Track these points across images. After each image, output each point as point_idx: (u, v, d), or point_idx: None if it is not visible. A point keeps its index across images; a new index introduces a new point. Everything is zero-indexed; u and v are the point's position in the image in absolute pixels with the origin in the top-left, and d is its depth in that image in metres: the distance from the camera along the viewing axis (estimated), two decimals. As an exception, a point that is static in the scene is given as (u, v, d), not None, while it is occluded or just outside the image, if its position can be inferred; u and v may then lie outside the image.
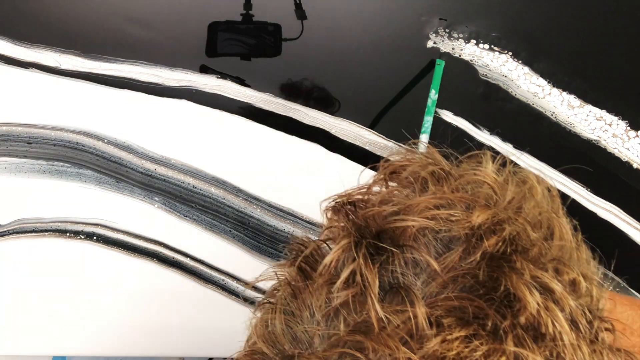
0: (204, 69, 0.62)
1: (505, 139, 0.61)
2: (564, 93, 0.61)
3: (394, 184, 0.28)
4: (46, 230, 0.62)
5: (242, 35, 0.61)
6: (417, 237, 0.24)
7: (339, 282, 0.23)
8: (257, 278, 0.31)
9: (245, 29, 0.61)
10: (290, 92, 0.61)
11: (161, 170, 0.62)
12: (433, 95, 0.53)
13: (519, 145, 0.61)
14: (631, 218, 0.60)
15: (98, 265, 0.61)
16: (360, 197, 0.28)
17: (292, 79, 0.59)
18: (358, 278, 0.23)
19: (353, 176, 0.62)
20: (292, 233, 0.61)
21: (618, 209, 0.60)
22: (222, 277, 0.62)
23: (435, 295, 0.23)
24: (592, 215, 0.60)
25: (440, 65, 0.54)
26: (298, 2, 0.61)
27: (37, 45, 0.62)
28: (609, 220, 0.60)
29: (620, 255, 0.61)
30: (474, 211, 0.24)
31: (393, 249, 0.24)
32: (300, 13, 0.61)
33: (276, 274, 0.29)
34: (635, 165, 0.61)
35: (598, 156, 0.61)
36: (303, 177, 0.61)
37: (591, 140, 0.61)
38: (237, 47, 0.61)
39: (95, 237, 0.62)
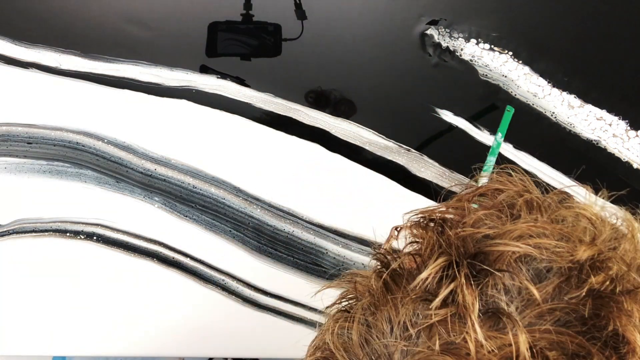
0: (204, 69, 0.61)
1: (505, 139, 0.61)
2: (564, 93, 0.61)
3: (478, 206, 0.28)
4: (46, 230, 0.62)
5: (242, 35, 0.61)
6: (512, 263, 0.24)
7: (437, 300, 0.23)
8: (338, 282, 0.30)
9: (245, 29, 0.61)
10: (317, 101, 0.61)
11: (161, 170, 0.62)
12: (499, 138, 0.56)
13: (519, 145, 0.61)
14: (631, 218, 0.60)
15: (98, 265, 0.61)
16: (450, 215, 0.28)
17: (321, 87, 0.59)
18: (459, 298, 0.22)
19: (352, 177, 0.62)
20: (292, 233, 0.61)
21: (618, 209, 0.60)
22: (222, 277, 0.62)
23: (528, 325, 0.22)
24: (592, 215, 0.60)
25: (509, 112, 0.56)
26: (298, 2, 0.61)
27: (37, 45, 0.62)
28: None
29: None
30: (580, 245, 0.24)
31: (495, 272, 0.23)
32: (300, 13, 0.61)
33: (355, 283, 0.28)
34: (635, 165, 0.61)
35: (598, 156, 0.61)
36: (303, 177, 0.61)
37: (591, 141, 0.61)
38: (237, 47, 0.61)
39: (95, 237, 0.62)
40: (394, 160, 0.61)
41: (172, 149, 0.62)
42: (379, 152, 0.61)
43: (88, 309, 0.62)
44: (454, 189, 0.60)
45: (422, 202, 0.61)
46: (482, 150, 0.61)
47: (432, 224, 0.27)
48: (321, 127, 0.61)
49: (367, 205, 0.61)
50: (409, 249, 0.28)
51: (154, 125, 0.61)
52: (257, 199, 0.62)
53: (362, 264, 0.61)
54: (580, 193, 0.61)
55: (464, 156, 0.61)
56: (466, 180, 0.61)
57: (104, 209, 0.62)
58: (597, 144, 0.61)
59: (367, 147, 0.61)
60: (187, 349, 0.62)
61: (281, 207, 0.62)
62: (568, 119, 0.61)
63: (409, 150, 0.61)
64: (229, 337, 0.62)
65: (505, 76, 0.61)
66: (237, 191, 0.62)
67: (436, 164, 0.61)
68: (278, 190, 0.62)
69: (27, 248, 0.61)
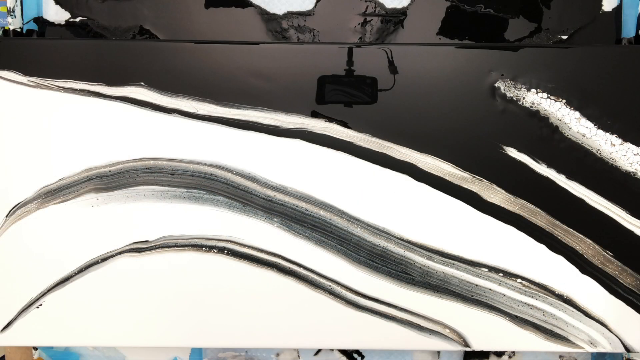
0: (315, 114, 0.75)
1: (559, 171, 0.75)
2: (607, 134, 0.75)
3: None
4: (186, 245, 0.76)
5: (345, 87, 0.75)
6: None
7: None
8: None
9: (347, 81, 0.75)
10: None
11: (279, 196, 0.76)
12: None
13: (570, 176, 0.75)
14: (662, 235, 0.74)
15: (228, 274, 0.76)
16: None
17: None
18: None
19: (435, 201, 0.76)
20: (386, 247, 0.76)
21: (651, 228, 0.74)
22: (329, 283, 0.76)
23: None
24: (630, 233, 0.75)
25: None
26: (391, 59, 0.75)
27: (178, 95, 0.75)
28: (644, 237, 0.74)
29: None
30: None
31: None
32: (393, 68, 0.75)
33: None
34: (665, 193, 0.75)
35: (635, 185, 0.75)
36: (395, 202, 0.75)
37: (629, 172, 0.75)
38: (341, 96, 0.75)
39: (225, 251, 0.76)
40: (468, 188, 0.75)
41: (288, 179, 0.76)
42: (457, 182, 0.75)
43: (221, 313, 0.76)
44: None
45: (492, 223, 0.75)
46: (540, 180, 0.75)
47: None
48: (409, 161, 0.75)
49: (447, 225, 0.75)
50: None
51: (274, 160, 0.75)
52: (358, 220, 0.76)
53: (443, 272, 0.75)
54: (621, 214, 0.74)
55: (526, 184, 0.75)
56: (528, 205, 0.75)
57: (233, 227, 0.76)
58: (634, 175, 0.75)
59: (447, 178, 0.75)
60: (301, 342, 0.76)
61: (377, 227, 0.76)
62: (610, 155, 0.75)
63: (481, 180, 0.75)
64: (334, 332, 0.76)
65: (560, 120, 0.75)
66: (341, 213, 0.76)
67: (503, 191, 0.75)
68: (374, 213, 0.76)
69: (170, 260, 0.76)
